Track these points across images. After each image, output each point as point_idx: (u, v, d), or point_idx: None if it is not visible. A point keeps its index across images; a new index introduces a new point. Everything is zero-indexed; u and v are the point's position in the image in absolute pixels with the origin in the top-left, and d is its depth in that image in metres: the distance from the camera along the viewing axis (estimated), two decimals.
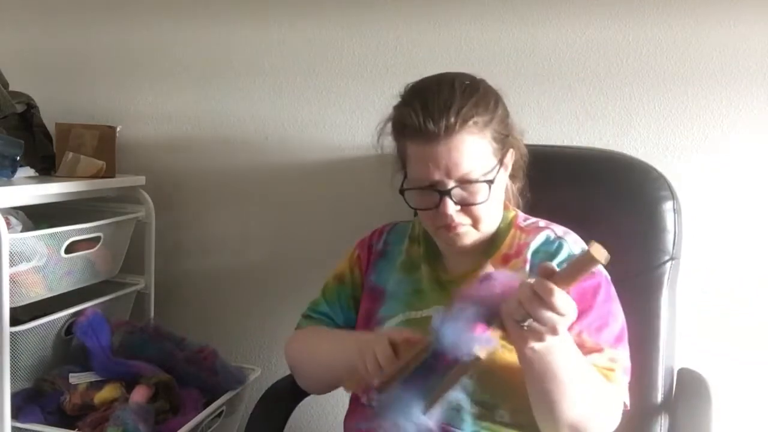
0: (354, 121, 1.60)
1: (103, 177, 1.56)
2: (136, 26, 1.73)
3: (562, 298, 0.79)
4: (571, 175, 1.31)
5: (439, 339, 0.86)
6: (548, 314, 0.79)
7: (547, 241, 1.06)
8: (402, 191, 1.05)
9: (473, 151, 1.00)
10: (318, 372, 1.16)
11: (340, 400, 1.66)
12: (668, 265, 1.24)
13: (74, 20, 1.78)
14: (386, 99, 1.54)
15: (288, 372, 1.29)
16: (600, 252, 0.76)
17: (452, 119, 0.97)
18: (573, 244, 1.06)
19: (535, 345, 0.84)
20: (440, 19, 1.52)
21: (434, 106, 0.99)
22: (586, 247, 1.07)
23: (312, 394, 1.24)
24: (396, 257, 1.17)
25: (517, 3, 1.47)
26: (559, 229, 1.09)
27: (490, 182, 1.01)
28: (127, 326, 1.51)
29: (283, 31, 1.62)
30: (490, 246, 1.09)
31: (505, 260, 1.07)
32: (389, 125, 1.09)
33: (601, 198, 1.18)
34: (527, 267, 1.04)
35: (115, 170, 1.59)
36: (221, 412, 1.48)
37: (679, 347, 1.28)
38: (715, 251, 1.40)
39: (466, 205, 1.01)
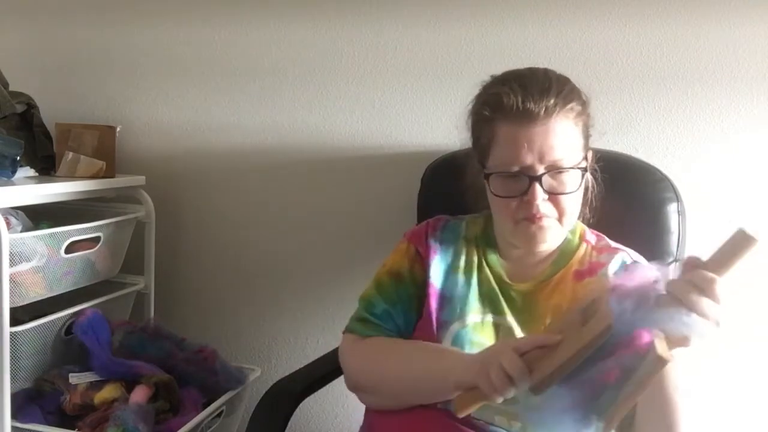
0: (354, 122, 1.60)
1: (103, 177, 1.56)
2: (136, 26, 1.73)
3: (721, 286, 0.73)
4: None
5: (618, 327, 0.76)
6: (712, 305, 0.73)
7: (624, 266, 1.03)
8: (487, 175, 1.02)
9: (568, 138, 0.99)
10: (401, 393, 1.03)
11: (340, 400, 1.66)
12: (672, 267, 1.23)
13: (74, 20, 1.77)
14: (387, 99, 1.57)
15: (287, 372, 1.28)
16: (754, 230, 0.70)
17: (552, 101, 0.96)
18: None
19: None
20: (440, 19, 1.52)
21: (534, 87, 0.98)
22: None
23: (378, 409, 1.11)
24: (452, 258, 1.10)
25: (517, 3, 1.47)
26: (632, 252, 1.07)
27: (584, 170, 1.00)
28: (127, 326, 1.51)
29: (283, 31, 1.62)
30: (559, 257, 1.06)
31: (578, 277, 1.03)
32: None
33: (605, 199, 1.17)
34: None
35: (115, 170, 1.59)
36: (221, 412, 1.48)
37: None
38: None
39: (554, 194, 0.98)
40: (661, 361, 0.73)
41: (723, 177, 1.40)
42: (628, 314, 0.76)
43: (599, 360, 0.79)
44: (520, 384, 0.82)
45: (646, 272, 0.80)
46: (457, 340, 1.02)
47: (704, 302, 0.73)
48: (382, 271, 1.13)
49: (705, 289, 0.73)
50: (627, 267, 0.87)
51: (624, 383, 0.76)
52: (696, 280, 0.74)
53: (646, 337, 0.76)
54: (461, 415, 0.90)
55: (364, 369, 1.08)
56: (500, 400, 0.85)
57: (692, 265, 0.76)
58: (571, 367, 0.79)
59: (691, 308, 0.73)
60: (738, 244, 0.73)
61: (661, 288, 0.77)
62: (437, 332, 1.04)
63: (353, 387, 1.11)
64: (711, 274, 0.73)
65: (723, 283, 0.73)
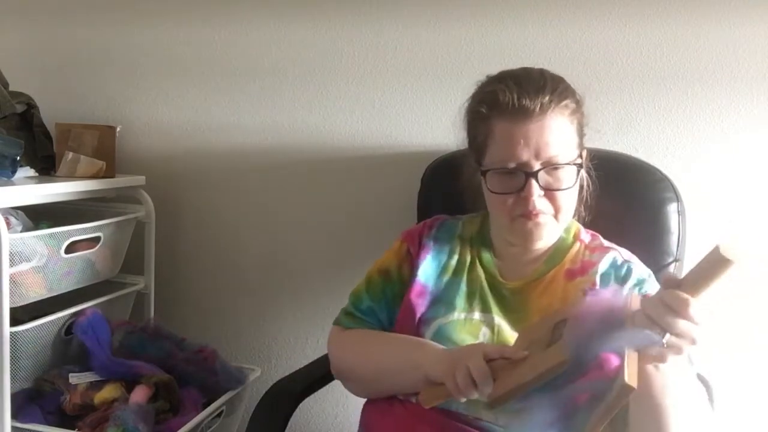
0: (354, 122, 1.60)
1: (103, 177, 1.56)
2: (136, 26, 1.73)
3: (696, 307, 0.75)
4: None
5: (579, 357, 0.78)
6: (687, 326, 0.75)
7: (614, 264, 1.04)
8: (484, 173, 1.03)
9: (563, 134, 1.00)
10: (377, 379, 1.06)
11: (340, 400, 1.66)
12: (672, 267, 1.23)
13: (74, 20, 1.77)
14: (387, 99, 1.57)
15: (287, 372, 1.29)
16: (731, 251, 0.69)
17: (547, 98, 0.98)
18: (639, 267, 1.05)
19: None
20: (440, 19, 1.52)
21: (529, 85, 0.99)
22: (648, 270, 1.04)
23: (360, 397, 1.15)
24: (445, 257, 1.11)
25: (517, 3, 1.47)
26: (624, 252, 1.07)
27: (579, 166, 1.02)
28: (127, 326, 1.51)
29: (283, 31, 1.62)
30: (553, 255, 1.07)
31: (570, 276, 1.04)
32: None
33: (606, 199, 1.17)
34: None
35: (115, 170, 1.59)
36: (221, 412, 1.48)
37: None
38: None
39: (550, 191, 0.99)
40: (627, 389, 0.73)
41: (723, 177, 1.40)
42: (585, 347, 0.78)
43: (572, 381, 0.80)
44: (483, 389, 0.86)
45: (612, 297, 0.82)
46: (437, 336, 1.03)
47: (680, 323, 0.74)
48: (373, 269, 1.16)
49: (679, 311, 0.74)
50: (590, 292, 0.89)
51: (595, 406, 0.78)
52: (670, 301, 0.75)
53: (616, 361, 0.77)
54: (427, 407, 0.94)
55: (344, 357, 1.14)
56: (463, 399, 0.89)
57: (669, 284, 0.76)
58: (527, 389, 0.82)
59: (666, 329, 0.75)
60: (713, 266, 0.72)
61: (629, 311, 0.79)
62: (420, 328, 1.05)
63: (336, 374, 1.17)
64: (685, 296, 0.74)
65: (699, 303, 0.74)
